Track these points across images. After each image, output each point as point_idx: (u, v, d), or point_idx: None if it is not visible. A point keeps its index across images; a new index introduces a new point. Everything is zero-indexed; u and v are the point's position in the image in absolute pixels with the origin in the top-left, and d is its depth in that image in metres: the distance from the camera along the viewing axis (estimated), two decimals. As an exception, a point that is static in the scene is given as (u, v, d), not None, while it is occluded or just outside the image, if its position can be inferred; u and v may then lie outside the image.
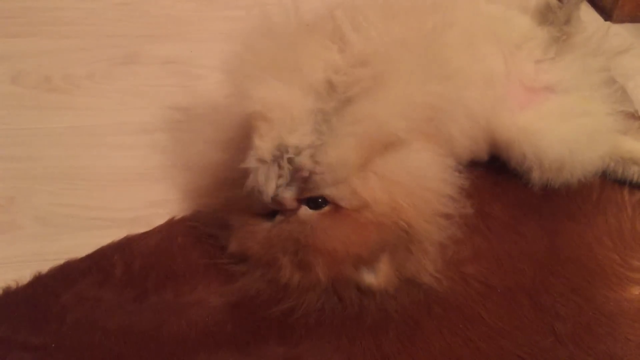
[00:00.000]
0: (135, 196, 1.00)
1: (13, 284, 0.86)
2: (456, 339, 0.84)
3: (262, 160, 0.76)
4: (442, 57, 0.89)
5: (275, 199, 0.78)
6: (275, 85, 0.79)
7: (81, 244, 0.92)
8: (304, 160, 0.76)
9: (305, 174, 0.77)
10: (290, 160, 0.76)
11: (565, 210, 1.03)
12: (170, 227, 0.95)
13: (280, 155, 0.76)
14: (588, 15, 1.47)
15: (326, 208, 0.81)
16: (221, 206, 0.89)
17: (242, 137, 0.83)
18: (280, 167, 0.76)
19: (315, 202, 0.81)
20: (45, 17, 1.32)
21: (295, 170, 0.76)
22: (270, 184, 0.76)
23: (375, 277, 0.82)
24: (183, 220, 0.96)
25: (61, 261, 0.89)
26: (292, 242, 0.80)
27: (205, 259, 0.91)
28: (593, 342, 0.84)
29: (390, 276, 0.83)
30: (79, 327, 0.82)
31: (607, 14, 1.52)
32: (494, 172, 1.06)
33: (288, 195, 0.79)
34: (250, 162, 0.77)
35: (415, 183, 0.83)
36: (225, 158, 0.90)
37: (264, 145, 0.76)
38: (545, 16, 1.06)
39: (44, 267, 0.88)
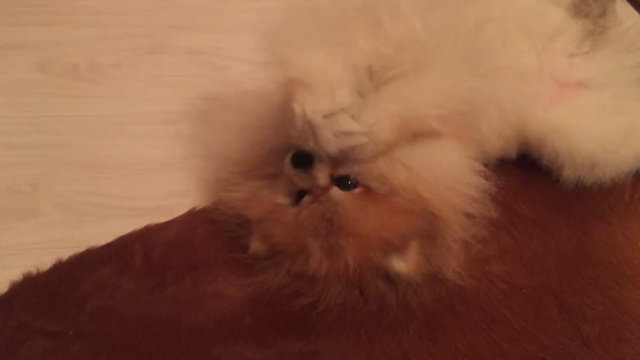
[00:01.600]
0: (157, 186, 1.00)
1: (34, 270, 0.86)
2: (479, 339, 0.82)
3: (309, 122, 0.74)
4: (481, 54, 0.87)
5: (308, 174, 0.78)
6: (318, 55, 0.77)
7: (102, 232, 0.92)
8: (342, 121, 0.74)
9: (345, 138, 0.75)
10: (328, 122, 0.74)
11: (596, 210, 1.00)
12: (191, 218, 0.95)
13: (323, 116, 0.74)
14: (624, 10, 1.42)
15: (357, 190, 0.80)
16: (240, 201, 0.87)
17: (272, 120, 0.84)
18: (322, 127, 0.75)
19: (346, 183, 0.80)
20: (73, 6, 1.31)
21: (335, 133, 0.74)
22: (328, 141, 0.74)
23: (405, 264, 0.80)
24: (204, 211, 0.95)
25: (82, 249, 0.89)
26: (325, 223, 0.78)
27: (225, 251, 0.90)
28: (621, 346, 0.82)
29: (420, 264, 0.81)
30: (97, 315, 0.82)
31: (644, 10, 1.47)
32: (522, 169, 1.03)
33: (322, 169, 0.79)
34: (298, 126, 0.75)
35: (439, 181, 0.81)
36: (249, 146, 0.89)
37: (308, 107, 0.74)
38: (579, 9, 1.02)
39: (65, 254, 0.88)
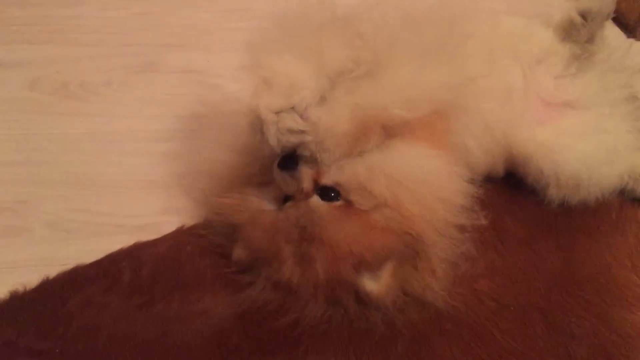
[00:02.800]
0: (146, 203, 1.00)
1: (20, 288, 0.85)
2: (467, 358, 0.82)
3: (259, 117, 0.77)
4: (455, 52, 0.87)
5: (294, 174, 0.79)
6: (289, 59, 0.79)
7: (91, 250, 0.91)
8: (293, 117, 0.76)
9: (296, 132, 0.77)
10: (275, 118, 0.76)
11: (583, 228, 1.01)
12: (180, 236, 0.95)
13: (274, 112, 0.76)
14: (611, 32, 1.44)
15: (338, 202, 0.81)
16: (229, 206, 0.88)
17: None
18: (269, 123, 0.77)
19: (329, 195, 0.81)
20: (65, 25, 1.32)
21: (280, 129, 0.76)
22: (272, 136, 0.76)
23: (376, 285, 0.80)
24: (193, 228, 0.95)
25: (70, 266, 0.89)
26: (298, 229, 0.79)
27: (214, 269, 0.90)
28: (609, 365, 0.82)
29: (392, 288, 0.81)
30: (84, 333, 0.81)
31: (630, 32, 1.49)
32: (509, 187, 1.04)
33: (306, 171, 0.80)
34: (250, 119, 0.78)
35: (425, 191, 0.81)
36: (238, 160, 0.90)
37: (262, 103, 0.76)
38: (568, 33, 1.03)
39: (53, 272, 0.88)
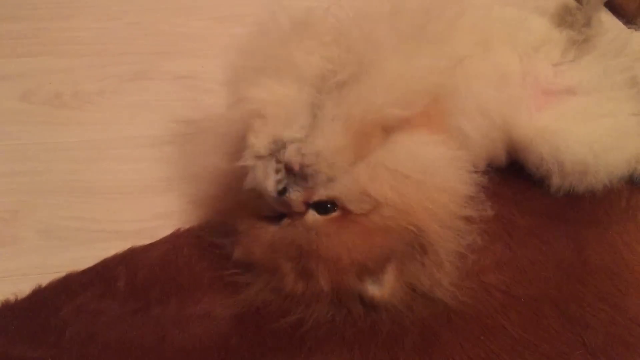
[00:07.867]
0: (141, 208, 0.97)
1: (12, 298, 0.83)
2: (477, 351, 0.79)
3: (258, 157, 0.74)
4: (442, 36, 0.85)
5: (282, 200, 0.75)
6: (268, 83, 0.78)
7: (85, 257, 0.88)
8: (291, 153, 0.73)
9: (296, 167, 0.73)
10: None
11: (593, 216, 0.97)
12: (176, 239, 0.92)
13: (277, 150, 0.73)
14: (608, 18, 1.42)
15: (334, 214, 0.77)
16: (230, 210, 0.85)
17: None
18: (278, 162, 0.73)
19: (324, 207, 0.77)
20: (57, 37, 1.31)
21: (286, 165, 0.73)
22: (269, 180, 0.73)
23: (380, 289, 0.78)
24: (189, 231, 0.92)
25: (63, 274, 0.86)
26: (295, 248, 0.76)
27: (211, 271, 0.87)
28: (626, 354, 0.79)
29: (397, 289, 0.78)
30: (78, 340, 0.78)
31: (629, 22, 1.47)
32: (514, 178, 1.01)
33: (295, 197, 0.75)
34: (247, 160, 0.74)
35: (429, 180, 0.78)
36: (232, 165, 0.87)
37: (258, 142, 0.74)
38: (563, 18, 1.01)
39: (46, 280, 0.85)
